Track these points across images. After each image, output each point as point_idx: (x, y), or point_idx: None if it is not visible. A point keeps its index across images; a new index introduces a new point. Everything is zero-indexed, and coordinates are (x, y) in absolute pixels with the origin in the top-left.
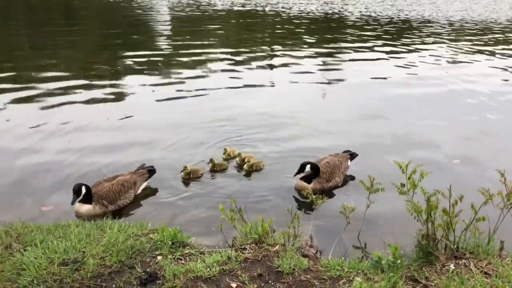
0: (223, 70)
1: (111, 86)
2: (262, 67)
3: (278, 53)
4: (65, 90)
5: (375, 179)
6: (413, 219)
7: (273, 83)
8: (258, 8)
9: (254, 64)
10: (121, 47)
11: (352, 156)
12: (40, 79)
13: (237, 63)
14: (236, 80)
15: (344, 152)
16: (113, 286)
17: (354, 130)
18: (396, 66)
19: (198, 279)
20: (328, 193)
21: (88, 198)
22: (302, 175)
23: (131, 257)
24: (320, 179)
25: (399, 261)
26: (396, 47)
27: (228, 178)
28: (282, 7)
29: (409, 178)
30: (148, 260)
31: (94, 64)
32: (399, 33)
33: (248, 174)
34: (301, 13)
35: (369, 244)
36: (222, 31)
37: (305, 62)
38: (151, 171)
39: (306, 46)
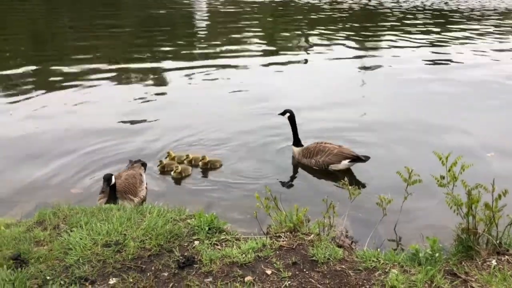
0: (258, 61)
1: (146, 77)
2: (297, 55)
3: (313, 44)
4: (102, 79)
5: (413, 171)
6: (452, 213)
7: (308, 73)
8: None
9: (289, 54)
10: (159, 37)
11: (357, 159)
12: (77, 64)
13: (273, 54)
14: (271, 72)
15: (351, 154)
16: (152, 268)
17: (388, 120)
18: (431, 55)
19: (234, 265)
20: (365, 184)
21: (113, 197)
22: None
23: (170, 241)
24: (302, 152)
25: (437, 255)
26: (436, 36)
27: (264, 167)
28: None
29: (449, 171)
30: (185, 244)
31: (130, 54)
32: (439, 23)
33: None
34: (334, 3)
35: (406, 237)
36: (258, 24)
37: (341, 53)
38: (144, 164)
39: (342, 37)
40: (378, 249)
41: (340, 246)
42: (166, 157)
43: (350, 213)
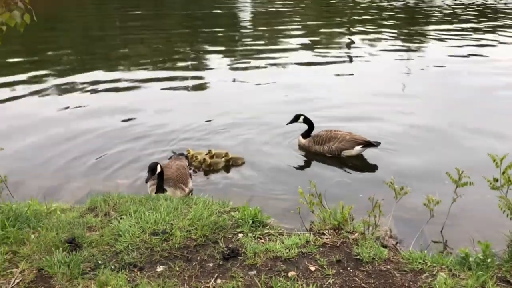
0: (301, 60)
1: (191, 72)
2: (340, 54)
3: (357, 41)
4: (147, 79)
5: (463, 172)
6: (505, 217)
7: (351, 73)
8: None
9: (331, 52)
10: (203, 35)
11: (369, 144)
12: (124, 61)
13: (315, 51)
14: (314, 68)
15: (364, 139)
16: (198, 258)
17: (431, 121)
18: (483, 58)
19: (277, 259)
20: (412, 184)
21: (161, 186)
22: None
23: (215, 232)
24: (312, 139)
25: (489, 260)
26: (484, 36)
27: (308, 163)
28: None
29: (503, 173)
30: (230, 236)
31: (175, 53)
32: (490, 25)
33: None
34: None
35: (453, 240)
36: (300, 22)
37: (384, 52)
38: (187, 157)
39: (387, 35)
40: (425, 251)
41: (384, 246)
42: (186, 154)
43: (396, 213)
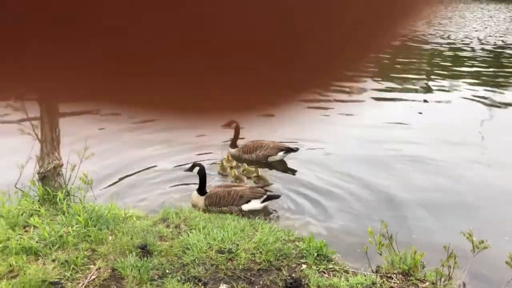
0: (374, 99)
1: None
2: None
3: (435, 88)
4: None
5: None
6: None
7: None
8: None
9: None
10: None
11: (290, 150)
12: None
13: (390, 92)
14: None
15: (284, 146)
16: (261, 282)
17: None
18: None
19: None
20: (492, 238)
21: (201, 189)
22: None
23: (279, 259)
24: (242, 149)
25: None
26: None
27: (381, 201)
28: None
29: None
30: (293, 266)
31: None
32: None
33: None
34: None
35: None
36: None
37: (464, 97)
38: (271, 196)
39: (470, 84)
40: None
41: None
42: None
43: (472, 267)
